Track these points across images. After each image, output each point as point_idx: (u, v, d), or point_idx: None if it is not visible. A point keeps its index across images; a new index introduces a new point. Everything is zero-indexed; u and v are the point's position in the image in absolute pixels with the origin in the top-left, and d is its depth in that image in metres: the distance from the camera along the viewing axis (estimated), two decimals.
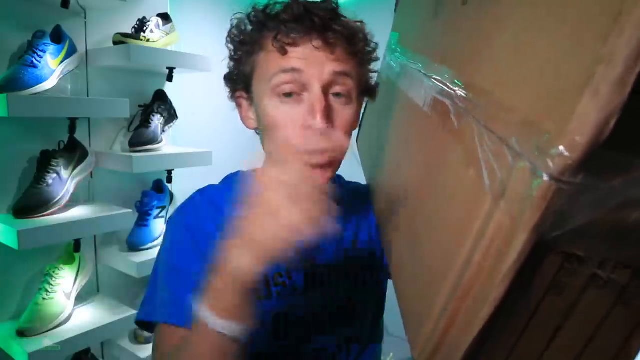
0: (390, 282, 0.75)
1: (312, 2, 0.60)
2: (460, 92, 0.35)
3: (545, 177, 0.21)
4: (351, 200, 0.74)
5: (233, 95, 0.68)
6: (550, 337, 0.27)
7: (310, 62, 0.57)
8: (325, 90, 0.58)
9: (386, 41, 0.88)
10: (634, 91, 0.19)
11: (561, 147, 0.20)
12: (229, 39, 0.65)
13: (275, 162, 0.65)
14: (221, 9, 1.77)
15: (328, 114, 0.57)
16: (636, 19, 0.18)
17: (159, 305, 0.59)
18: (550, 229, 0.22)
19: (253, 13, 0.62)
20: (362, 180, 0.84)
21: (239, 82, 0.65)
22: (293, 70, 0.57)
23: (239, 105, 0.68)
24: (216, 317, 0.43)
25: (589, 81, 0.20)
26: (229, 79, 0.67)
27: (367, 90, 0.68)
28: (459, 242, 0.29)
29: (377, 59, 0.68)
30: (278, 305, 0.61)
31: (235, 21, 0.64)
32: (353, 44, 0.60)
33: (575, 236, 0.22)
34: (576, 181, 0.20)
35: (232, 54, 0.66)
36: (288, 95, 0.58)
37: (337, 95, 0.59)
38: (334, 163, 0.62)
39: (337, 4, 0.62)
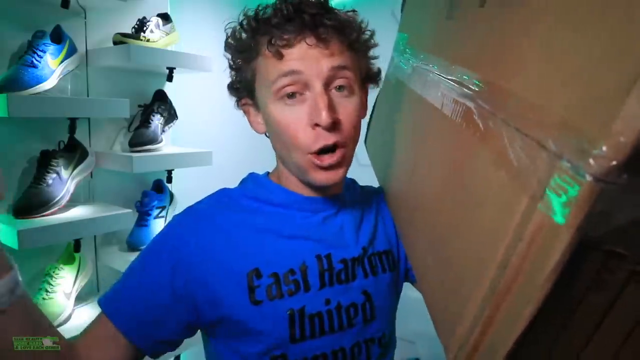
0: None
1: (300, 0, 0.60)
2: (484, 94, 0.35)
3: (589, 178, 0.21)
4: (366, 204, 0.74)
5: (239, 103, 0.68)
6: (590, 334, 0.28)
7: (307, 61, 0.57)
8: (327, 85, 0.58)
9: (385, 41, 0.88)
10: None
11: (604, 148, 0.21)
12: (226, 47, 0.66)
13: (286, 165, 0.66)
14: (221, 9, 1.76)
15: (333, 109, 0.58)
16: None
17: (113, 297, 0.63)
18: (593, 229, 0.22)
19: (245, 20, 0.63)
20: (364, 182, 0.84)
21: (242, 89, 0.66)
22: (292, 72, 0.57)
23: (246, 112, 0.69)
24: None
25: (634, 83, 0.20)
26: (232, 87, 0.68)
27: (369, 77, 0.68)
28: (492, 246, 0.29)
29: (375, 46, 0.68)
30: (291, 304, 0.61)
31: (229, 30, 0.64)
32: (346, 35, 0.60)
33: (618, 234, 0.22)
34: (620, 181, 0.21)
35: (231, 62, 0.66)
36: (291, 96, 0.58)
37: (338, 88, 0.60)
38: (344, 162, 0.62)
39: None
